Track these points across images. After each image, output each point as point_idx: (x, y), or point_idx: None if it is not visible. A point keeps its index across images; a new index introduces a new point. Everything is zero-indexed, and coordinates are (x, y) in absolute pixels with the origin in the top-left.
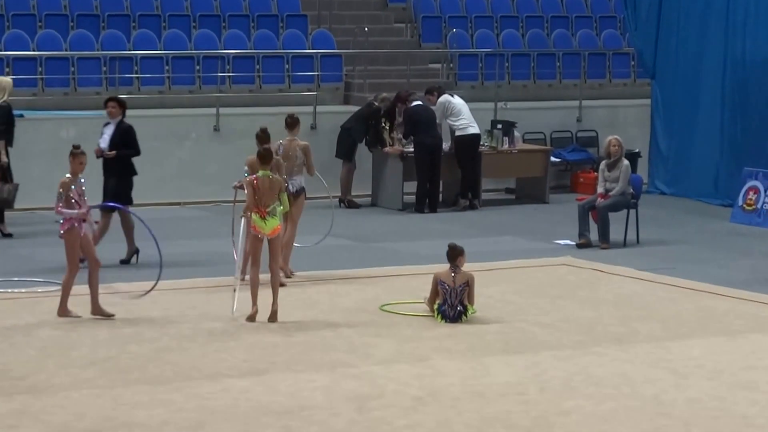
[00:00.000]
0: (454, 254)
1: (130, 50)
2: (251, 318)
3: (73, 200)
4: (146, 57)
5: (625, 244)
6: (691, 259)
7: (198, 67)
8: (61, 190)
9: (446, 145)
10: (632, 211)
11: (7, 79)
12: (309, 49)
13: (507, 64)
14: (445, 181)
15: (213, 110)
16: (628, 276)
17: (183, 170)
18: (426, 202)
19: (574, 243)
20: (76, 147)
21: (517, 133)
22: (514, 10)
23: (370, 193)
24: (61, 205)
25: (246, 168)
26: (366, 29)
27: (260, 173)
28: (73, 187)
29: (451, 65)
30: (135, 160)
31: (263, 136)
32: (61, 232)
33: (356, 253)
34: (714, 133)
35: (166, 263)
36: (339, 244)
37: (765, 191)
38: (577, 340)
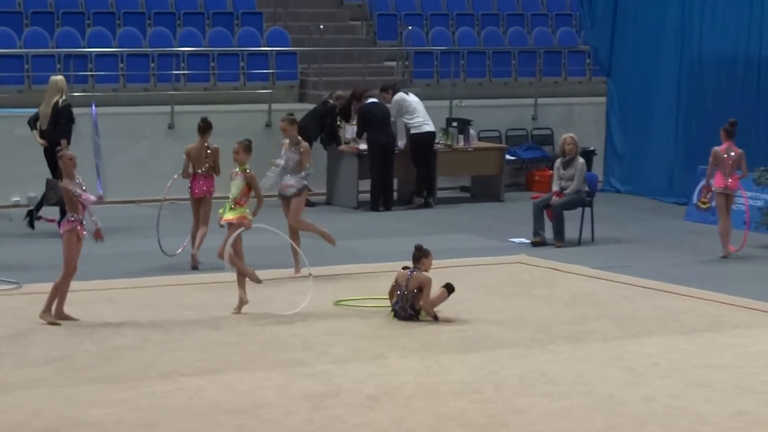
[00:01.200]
0: (418, 256)
1: (84, 48)
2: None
3: (80, 199)
4: (101, 55)
5: (580, 243)
6: (646, 258)
7: (153, 65)
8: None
9: (401, 143)
10: (587, 210)
11: (61, 78)
12: (264, 46)
13: (462, 62)
14: (400, 179)
15: (168, 108)
16: (583, 274)
17: (138, 168)
18: (381, 201)
19: (529, 241)
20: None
21: (472, 131)
22: (469, 7)
23: (325, 191)
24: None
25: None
26: (321, 27)
27: (238, 168)
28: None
29: (407, 63)
30: (90, 156)
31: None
32: (61, 231)
33: (311, 252)
34: (669, 132)
35: (119, 261)
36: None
37: None
38: (533, 339)
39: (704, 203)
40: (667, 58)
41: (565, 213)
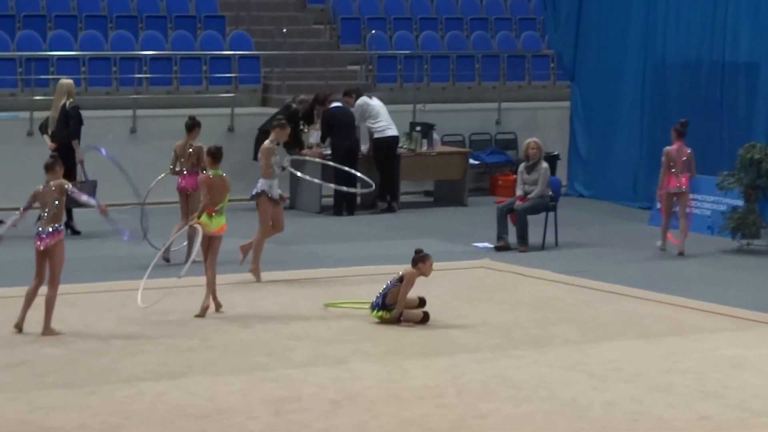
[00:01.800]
0: (416, 259)
1: (46, 51)
2: (217, 311)
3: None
4: (62, 58)
5: (543, 247)
6: (610, 262)
7: (115, 69)
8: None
9: (365, 148)
10: (551, 214)
11: (70, 81)
12: (227, 50)
13: (426, 66)
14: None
15: (130, 112)
16: (546, 279)
17: (100, 172)
18: (344, 205)
19: (492, 246)
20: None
21: (435, 136)
22: (433, 12)
23: (288, 195)
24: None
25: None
26: (284, 30)
27: (212, 172)
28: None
29: (370, 67)
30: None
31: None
32: (53, 242)
33: (274, 256)
34: (633, 136)
35: (80, 266)
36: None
37: None
38: (495, 343)
39: None
40: (631, 62)
41: (529, 217)
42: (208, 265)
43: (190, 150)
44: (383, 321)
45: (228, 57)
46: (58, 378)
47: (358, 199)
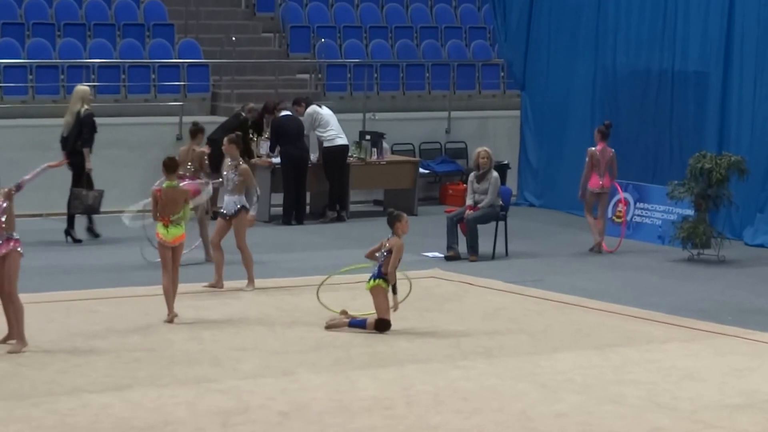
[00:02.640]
0: (391, 220)
1: None
2: (170, 320)
3: None
4: (10, 66)
5: (493, 257)
6: (561, 272)
7: (63, 77)
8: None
9: (314, 157)
10: (501, 223)
11: (85, 88)
12: (175, 58)
13: (376, 75)
14: (312, 192)
15: None
16: (496, 289)
17: (47, 181)
18: (293, 214)
19: (442, 255)
20: None
21: (385, 145)
22: (383, 20)
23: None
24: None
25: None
26: (233, 39)
27: (164, 184)
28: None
29: (320, 75)
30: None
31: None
32: (13, 249)
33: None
34: (584, 145)
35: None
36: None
37: (634, 203)
38: (445, 354)
39: (618, 217)
40: (582, 71)
41: (479, 227)
42: (169, 274)
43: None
44: (373, 291)
45: (177, 65)
46: (0, 390)
47: (308, 208)
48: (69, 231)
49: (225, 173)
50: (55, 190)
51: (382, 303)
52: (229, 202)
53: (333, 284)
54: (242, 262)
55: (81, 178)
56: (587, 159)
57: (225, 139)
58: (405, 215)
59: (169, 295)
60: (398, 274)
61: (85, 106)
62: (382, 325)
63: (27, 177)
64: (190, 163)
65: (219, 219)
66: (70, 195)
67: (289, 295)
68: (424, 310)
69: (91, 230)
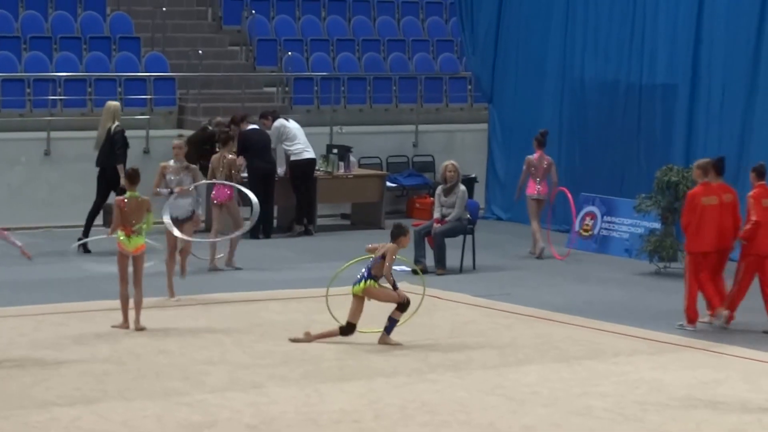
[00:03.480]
0: (396, 233)
1: None
2: (121, 327)
3: None
4: None
5: (461, 270)
6: (528, 285)
7: (28, 90)
8: None
9: (281, 170)
10: (469, 237)
11: (116, 104)
12: (142, 72)
13: (343, 88)
14: (280, 206)
15: (44, 134)
16: (464, 302)
17: (13, 195)
18: (260, 228)
19: (410, 269)
20: None
21: (352, 158)
22: (350, 33)
23: (203, 218)
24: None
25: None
26: (200, 52)
27: (128, 194)
28: None
29: (287, 89)
30: None
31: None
32: None
33: (188, 279)
34: (551, 158)
35: None
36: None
37: (602, 217)
38: (413, 367)
39: (586, 231)
40: (549, 84)
41: (447, 240)
42: (135, 285)
43: (224, 161)
44: (367, 292)
45: (143, 78)
46: None
47: (275, 221)
48: (84, 242)
49: (174, 177)
50: (22, 203)
51: (382, 293)
52: (183, 205)
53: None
54: (181, 264)
55: (117, 192)
56: (524, 166)
57: (179, 141)
58: (410, 232)
59: (126, 304)
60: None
61: (116, 122)
62: (404, 306)
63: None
64: (220, 171)
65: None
66: (105, 209)
67: (257, 309)
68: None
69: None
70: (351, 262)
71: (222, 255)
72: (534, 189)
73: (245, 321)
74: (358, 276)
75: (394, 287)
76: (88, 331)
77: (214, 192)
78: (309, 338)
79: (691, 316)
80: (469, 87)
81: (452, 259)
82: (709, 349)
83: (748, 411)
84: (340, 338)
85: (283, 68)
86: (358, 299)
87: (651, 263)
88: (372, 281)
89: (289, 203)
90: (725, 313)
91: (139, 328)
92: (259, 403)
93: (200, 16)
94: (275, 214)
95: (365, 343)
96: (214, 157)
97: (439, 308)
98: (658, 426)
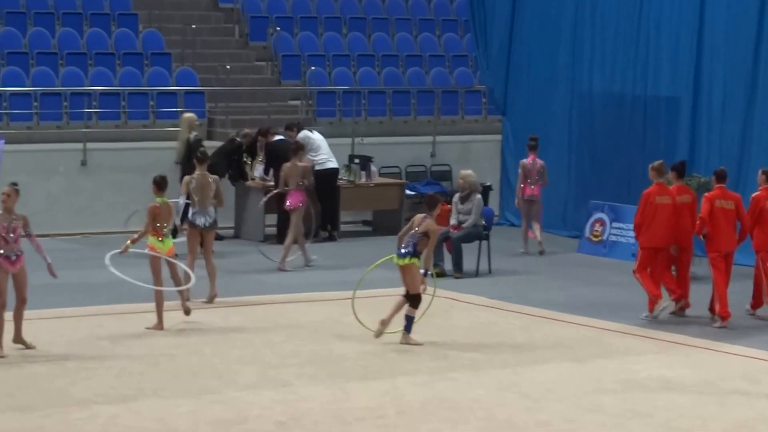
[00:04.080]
0: (431, 203)
1: None
2: (155, 328)
3: (0, 236)
4: (15, 93)
5: (477, 274)
6: (541, 288)
7: (65, 104)
8: None
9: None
10: (484, 242)
11: (192, 115)
12: (173, 86)
13: (364, 101)
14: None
15: (80, 145)
16: (480, 304)
17: (52, 203)
18: (286, 234)
19: (429, 272)
20: (12, 183)
21: (373, 168)
22: (370, 49)
23: (233, 225)
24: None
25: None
26: (228, 67)
27: (158, 200)
28: (6, 223)
29: (310, 102)
30: None
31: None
32: (19, 267)
33: (219, 283)
34: (562, 167)
35: (34, 293)
36: (203, 274)
37: (610, 223)
38: (433, 366)
39: (596, 236)
40: (559, 97)
41: (464, 246)
42: (174, 279)
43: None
44: (407, 269)
45: (174, 92)
46: (12, 402)
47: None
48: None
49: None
50: (61, 211)
51: (416, 278)
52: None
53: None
54: (209, 272)
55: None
56: (519, 170)
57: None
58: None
59: (161, 305)
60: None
61: (194, 132)
62: (415, 300)
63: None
64: (291, 179)
65: (193, 233)
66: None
67: (285, 311)
68: (414, 325)
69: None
70: (374, 265)
71: (293, 257)
72: (527, 191)
73: (273, 322)
74: (403, 249)
75: (426, 274)
76: (124, 332)
77: (288, 200)
78: (384, 325)
79: (655, 297)
80: (484, 100)
81: (469, 263)
82: (713, 348)
83: (752, 407)
84: (363, 339)
85: (307, 82)
86: (398, 267)
87: None
88: (416, 259)
89: (313, 210)
90: (666, 304)
91: (187, 311)
92: (288, 401)
93: (228, 33)
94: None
95: (388, 343)
96: (286, 165)
97: (457, 310)
98: (666, 422)
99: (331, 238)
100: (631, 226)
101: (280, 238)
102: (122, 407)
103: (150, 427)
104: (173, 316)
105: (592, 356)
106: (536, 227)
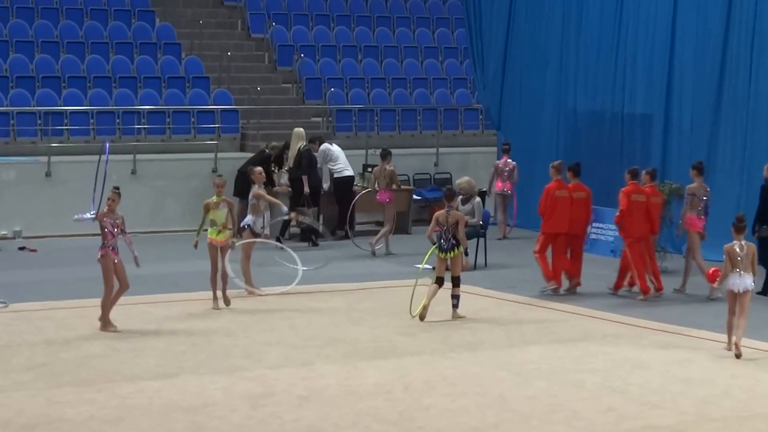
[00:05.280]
0: (450, 195)
1: (61, 106)
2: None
3: (106, 230)
4: (75, 112)
5: (475, 267)
6: (530, 279)
7: (118, 120)
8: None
9: (326, 185)
10: (482, 240)
11: (302, 129)
12: (211, 105)
13: (376, 118)
14: (325, 215)
15: (131, 156)
16: (477, 294)
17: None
18: (310, 234)
19: (431, 267)
20: (115, 188)
21: None
22: (381, 72)
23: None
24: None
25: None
26: (258, 89)
27: (215, 198)
28: (111, 221)
29: (330, 119)
30: (67, 199)
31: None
32: (98, 257)
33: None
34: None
35: (91, 284)
36: (235, 267)
37: (591, 223)
38: (435, 347)
39: None
40: (547, 114)
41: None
42: (217, 269)
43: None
44: (456, 258)
45: (212, 111)
46: (71, 378)
47: (321, 228)
48: (279, 238)
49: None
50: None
51: (459, 264)
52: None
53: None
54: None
55: (302, 199)
56: (492, 169)
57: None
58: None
59: (215, 285)
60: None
61: (303, 143)
62: (459, 281)
63: (128, 242)
64: (379, 180)
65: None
66: (296, 213)
67: (307, 300)
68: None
69: (311, 239)
70: (426, 258)
71: (381, 245)
72: (500, 186)
73: (297, 309)
74: (444, 243)
75: (467, 253)
76: (167, 317)
77: (378, 197)
78: (426, 307)
79: (548, 277)
80: (481, 117)
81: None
82: (683, 333)
83: (716, 385)
84: (374, 325)
85: (327, 102)
86: (443, 260)
87: None
88: (459, 248)
89: (332, 212)
90: (553, 287)
91: (227, 301)
92: (309, 378)
93: (258, 60)
94: (322, 221)
95: (395, 328)
96: (376, 168)
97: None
98: (639, 397)
99: (347, 237)
100: (610, 226)
101: (304, 236)
102: (166, 382)
103: (189, 400)
104: (206, 305)
105: (575, 339)
106: (504, 218)
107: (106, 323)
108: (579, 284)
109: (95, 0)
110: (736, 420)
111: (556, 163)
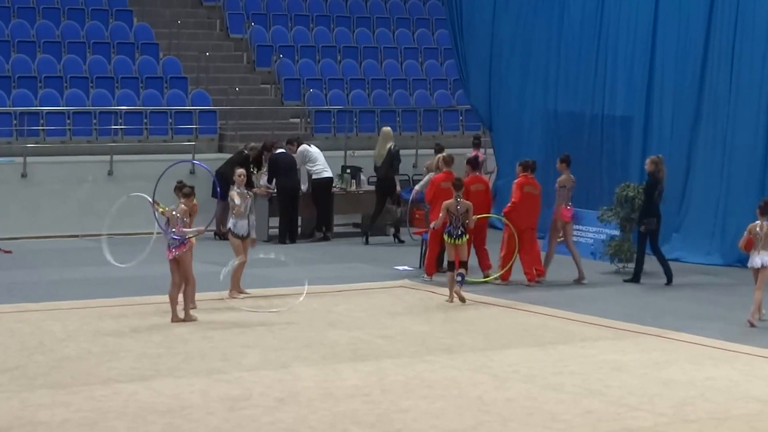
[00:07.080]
0: (459, 185)
1: (36, 106)
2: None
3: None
4: (51, 112)
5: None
6: (510, 282)
7: (95, 121)
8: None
9: (304, 187)
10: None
11: (390, 128)
12: (189, 105)
13: (355, 119)
14: (303, 216)
15: (107, 157)
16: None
17: (82, 208)
18: (287, 235)
19: (411, 268)
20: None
21: (363, 177)
22: (361, 73)
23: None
24: (181, 228)
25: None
26: (237, 89)
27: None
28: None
29: (309, 120)
30: (43, 201)
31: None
32: (177, 253)
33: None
34: (537, 176)
35: (65, 286)
36: (214, 270)
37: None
38: (413, 350)
39: (559, 237)
40: (529, 116)
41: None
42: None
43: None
44: (463, 245)
45: (190, 111)
46: (46, 380)
47: (299, 229)
48: (367, 234)
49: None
50: (90, 215)
51: (468, 249)
52: (244, 225)
53: None
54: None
55: (392, 197)
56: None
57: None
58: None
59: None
60: None
61: (392, 143)
62: (466, 264)
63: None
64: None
65: (234, 239)
66: (384, 210)
67: (284, 302)
68: (396, 314)
69: (396, 236)
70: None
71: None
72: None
73: (274, 311)
74: (453, 230)
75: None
76: (143, 321)
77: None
78: (457, 292)
79: (429, 271)
80: (461, 118)
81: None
82: (662, 335)
83: (694, 387)
84: (352, 327)
85: (306, 103)
86: (453, 245)
87: (612, 264)
88: (467, 236)
89: (310, 214)
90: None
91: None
92: (287, 380)
93: (237, 60)
94: (299, 223)
95: (372, 331)
96: (428, 163)
97: (435, 302)
98: (618, 399)
99: (325, 238)
100: (590, 228)
101: (281, 238)
102: (141, 385)
103: (165, 403)
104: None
105: (554, 342)
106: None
107: (176, 317)
108: (490, 276)
109: None
110: (713, 422)
111: (446, 155)
